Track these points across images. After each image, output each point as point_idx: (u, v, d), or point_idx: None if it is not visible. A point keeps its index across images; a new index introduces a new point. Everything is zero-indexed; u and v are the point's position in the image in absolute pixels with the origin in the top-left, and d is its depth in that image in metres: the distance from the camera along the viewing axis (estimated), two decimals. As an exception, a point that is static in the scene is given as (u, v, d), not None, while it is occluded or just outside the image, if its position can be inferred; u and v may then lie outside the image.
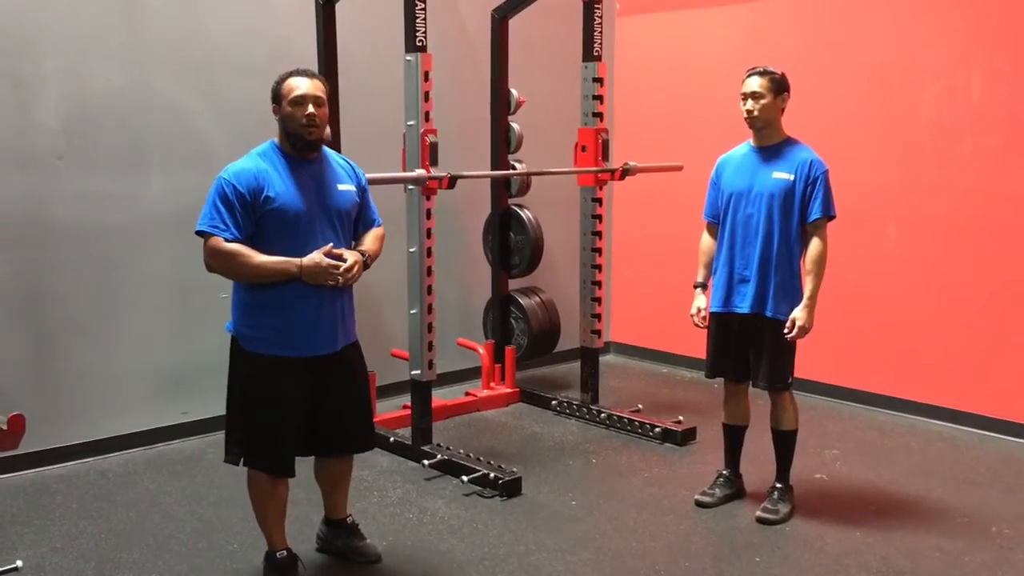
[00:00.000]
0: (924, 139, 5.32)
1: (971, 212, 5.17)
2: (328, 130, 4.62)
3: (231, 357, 3.31)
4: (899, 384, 5.52)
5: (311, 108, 3.17)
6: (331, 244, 3.19)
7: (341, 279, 3.18)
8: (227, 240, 3.10)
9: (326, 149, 3.37)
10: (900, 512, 4.15)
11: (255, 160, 3.21)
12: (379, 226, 3.53)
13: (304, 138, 3.20)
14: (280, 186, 3.17)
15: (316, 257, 3.13)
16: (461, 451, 4.67)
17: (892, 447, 5.01)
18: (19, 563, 3.46)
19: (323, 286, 3.18)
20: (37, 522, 4.01)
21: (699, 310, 4.12)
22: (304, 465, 3.43)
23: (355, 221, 3.42)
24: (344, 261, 3.19)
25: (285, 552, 3.43)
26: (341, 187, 3.33)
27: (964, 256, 5.21)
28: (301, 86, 3.19)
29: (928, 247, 5.34)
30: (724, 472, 4.28)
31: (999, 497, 4.33)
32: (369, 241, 3.44)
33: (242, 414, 3.31)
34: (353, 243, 3.43)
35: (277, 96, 3.23)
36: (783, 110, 3.93)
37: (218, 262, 3.14)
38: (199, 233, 3.15)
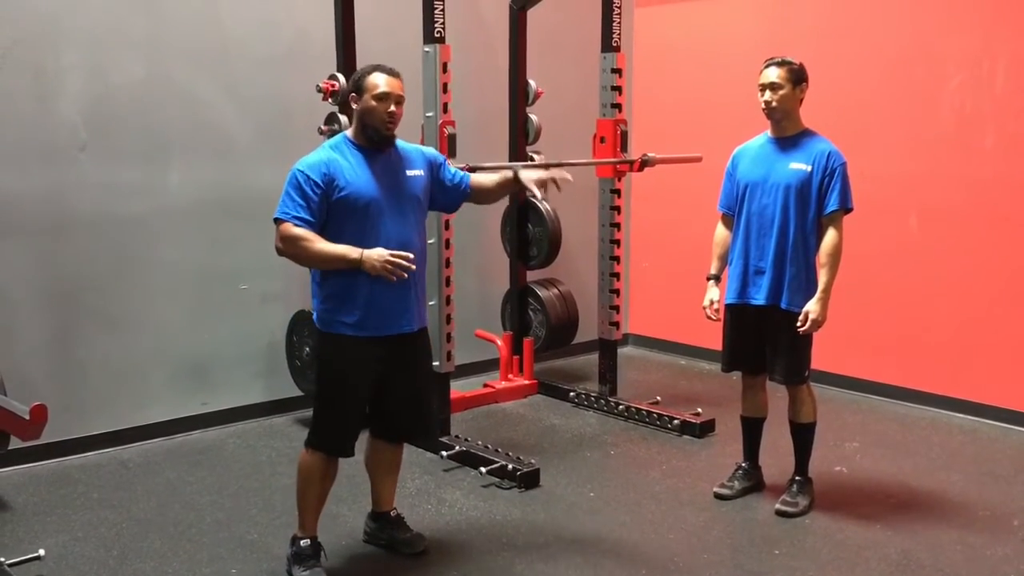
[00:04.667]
0: (947, 130, 5.27)
1: (993, 203, 5.12)
2: (347, 120, 4.67)
3: (314, 341, 3.43)
4: (920, 376, 5.49)
5: (394, 107, 3.27)
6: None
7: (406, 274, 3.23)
8: (297, 226, 3.19)
9: (397, 140, 3.44)
10: (921, 505, 4.13)
11: (327, 152, 3.30)
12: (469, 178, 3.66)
13: (382, 133, 3.29)
14: (351, 175, 3.25)
15: (380, 249, 3.19)
16: (479, 442, 4.68)
17: (912, 440, 4.97)
18: (42, 552, 3.51)
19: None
20: (59, 511, 4.05)
21: (712, 302, 4.10)
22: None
23: (440, 183, 3.54)
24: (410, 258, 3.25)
25: (309, 540, 3.46)
26: (411, 173, 3.41)
27: (986, 247, 5.16)
28: (386, 83, 3.27)
29: (950, 238, 5.30)
30: (743, 464, 4.27)
31: (1021, 490, 4.29)
32: (491, 176, 3.66)
33: (316, 395, 3.44)
34: (468, 192, 3.60)
35: (359, 88, 3.29)
36: (802, 101, 3.89)
37: (285, 245, 3.23)
38: (275, 221, 3.24)
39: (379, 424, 3.55)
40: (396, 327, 3.36)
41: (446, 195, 3.59)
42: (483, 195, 3.69)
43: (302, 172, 3.23)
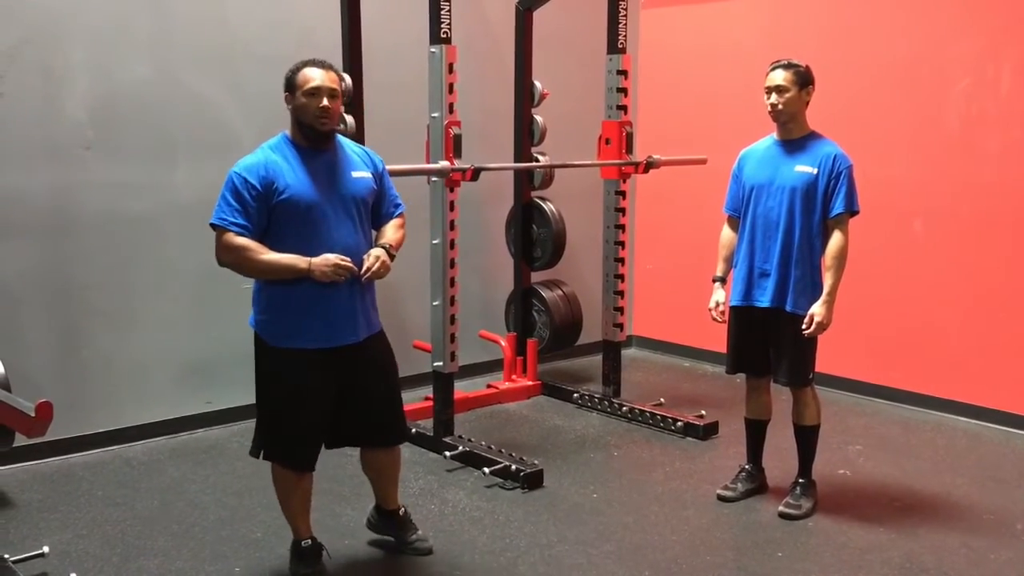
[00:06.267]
0: (952, 133, 5.27)
1: (998, 207, 5.11)
2: (352, 121, 4.67)
3: (255, 353, 3.32)
4: (924, 380, 5.48)
5: (326, 101, 3.15)
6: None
7: (363, 275, 3.19)
8: (237, 234, 3.10)
9: (340, 138, 3.36)
10: (924, 509, 4.12)
11: (266, 153, 3.20)
12: (401, 212, 3.51)
13: (317, 130, 3.19)
14: (291, 177, 3.15)
15: (328, 255, 3.13)
16: (483, 443, 4.68)
17: (916, 443, 4.97)
18: (45, 549, 3.51)
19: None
20: (63, 509, 4.05)
21: (717, 304, 4.10)
22: (327, 455, 3.44)
23: (376, 208, 3.41)
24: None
25: (310, 540, 3.45)
26: (356, 174, 3.30)
27: (991, 251, 5.15)
28: (316, 77, 3.16)
29: (955, 242, 5.29)
30: (746, 466, 4.27)
31: (1025, 495, 4.30)
32: (390, 232, 3.42)
33: (265, 409, 3.32)
34: (374, 233, 3.44)
35: (291, 85, 3.20)
36: (808, 103, 3.89)
37: (227, 256, 3.14)
38: (212, 226, 3.15)
39: (344, 435, 3.44)
40: (344, 337, 3.26)
41: (377, 210, 3.43)
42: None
43: (239, 175, 3.11)
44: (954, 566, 3.58)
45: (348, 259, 3.16)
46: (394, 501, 3.68)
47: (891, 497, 4.25)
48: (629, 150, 5.31)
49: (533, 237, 5.84)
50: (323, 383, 3.27)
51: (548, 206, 5.77)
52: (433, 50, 4.49)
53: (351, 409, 3.36)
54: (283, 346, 3.22)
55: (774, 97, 3.83)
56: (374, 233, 3.45)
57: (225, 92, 5.01)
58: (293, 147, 3.22)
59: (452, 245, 4.64)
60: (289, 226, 3.15)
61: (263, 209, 3.12)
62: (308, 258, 3.12)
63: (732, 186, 4.13)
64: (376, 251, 3.28)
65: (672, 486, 4.37)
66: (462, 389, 5.41)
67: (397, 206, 3.50)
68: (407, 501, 4.07)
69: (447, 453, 4.55)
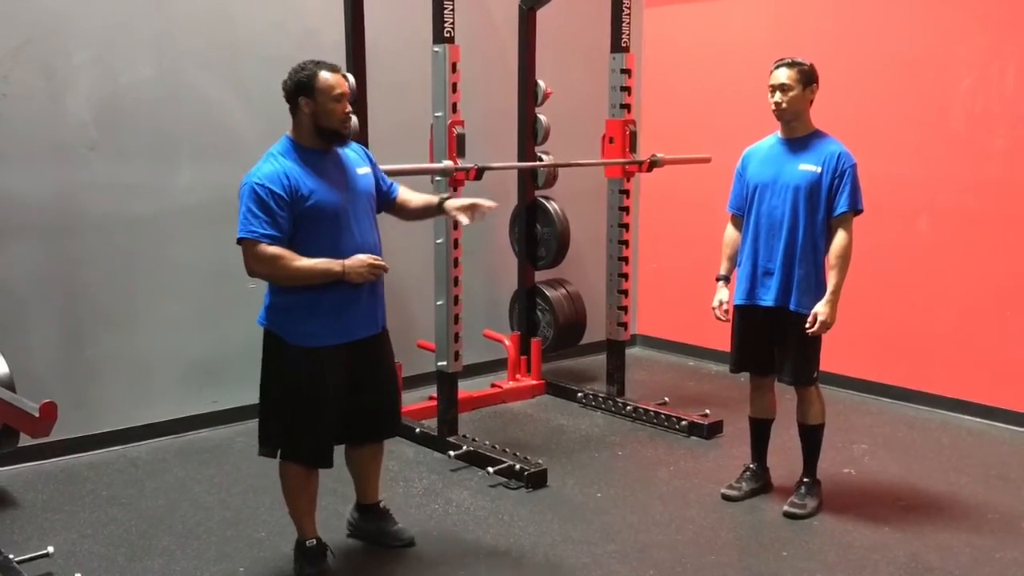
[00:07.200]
0: (957, 131, 5.25)
1: (1003, 205, 5.10)
2: (356, 121, 4.67)
3: (267, 351, 3.31)
4: (929, 378, 5.47)
5: (349, 106, 3.23)
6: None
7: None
8: (268, 244, 3.10)
9: None
10: (930, 508, 4.11)
11: (280, 160, 3.18)
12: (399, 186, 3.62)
13: (341, 133, 3.24)
14: (312, 183, 3.17)
15: (360, 256, 3.18)
16: (487, 442, 4.68)
17: (922, 442, 4.96)
18: (50, 549, 3.52)
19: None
20: (68, 509, 4.06)
21: (721, 303, 4.10)
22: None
23: (377, 192, 3.47)
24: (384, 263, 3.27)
25: (315, 540, 3.46)
26: (360, 171, 3.36)
27: (997, 249, 5.14)
28: (340, 83, 3.20)
29: (960, 240, 5.28)
30: (751, 466, 4.26)
31: (1030, 493, 4.29)
32: (418, 195, 3.58)
33: (282, 408, 3.32)
34: (395, 201, 3.56)
35: (309, 89, 3.17)
36: (812, 102, 3.88)
37: (261, 267, 3.13)
38: (241, 240, 3.13)
39: (360, 429, 3.47)
40: (362, 331, 3.32)
41: (379, 193, 3.49)
42: (404, 211, 3.59)
43: (262, 186, 3.09)
44: (959, 565, 3.58)
45: (379, 258, 3.22)
46: (375, 494, 3.71)
47: (896, 496, 4.24)
48: (633, 149, 5.31)
49: (537, 236, 5.84)
50: (339, 378, 3.31)
51: (552, 205, 5.76)
52: (436, 49, 4.49)
53: (358, 402, 3.39)
54: (304, 344, 3.24)
55: (778, 95, 3.83)
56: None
57: (229, 92, 5.01)
58: (303, 150, 3.23)
59: (456, 244, 4.64)
60: (315, 231, 3.17)
61: (290, 217, 3.13)
62: (341, 261, 3.15)
63: (736, 185, 4.13)
64: (463, 200, 3.47)
65: (676, 485, 4.37)
66: (466, 388, 5.41)
67: (392, 184, 3.58)
68: (411, 501, 4.08)
69: (451, 453, 4.55)
